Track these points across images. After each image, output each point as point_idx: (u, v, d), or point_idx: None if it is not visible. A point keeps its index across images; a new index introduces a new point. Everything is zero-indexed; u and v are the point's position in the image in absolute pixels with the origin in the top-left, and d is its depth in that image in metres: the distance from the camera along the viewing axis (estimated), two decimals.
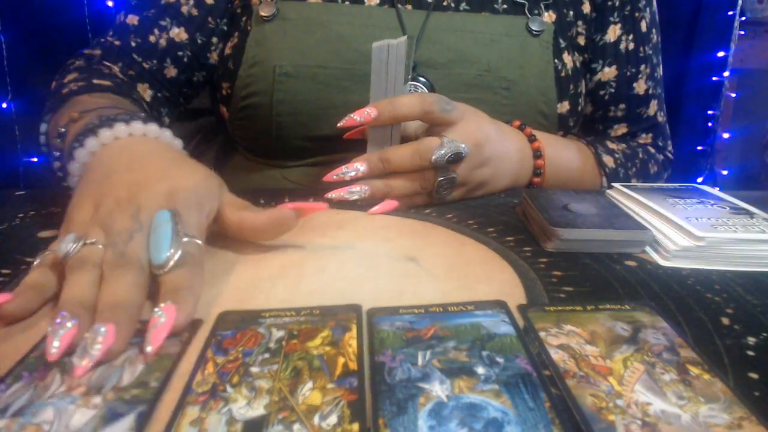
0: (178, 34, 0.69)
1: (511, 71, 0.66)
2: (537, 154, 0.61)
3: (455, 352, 0.28)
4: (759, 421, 0.24)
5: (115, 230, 0.34)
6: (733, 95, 1.78)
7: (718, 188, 0.55)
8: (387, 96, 0.51)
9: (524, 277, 0.39)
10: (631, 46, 0.73)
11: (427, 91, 0.64)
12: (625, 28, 0.73)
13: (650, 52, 0.75)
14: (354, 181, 0.51)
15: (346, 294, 0.35)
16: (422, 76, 0.65)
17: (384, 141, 0.53)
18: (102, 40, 0.69)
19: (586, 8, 0.72)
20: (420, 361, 0.27)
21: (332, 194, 0.51)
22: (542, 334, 0.30)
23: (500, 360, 0.27)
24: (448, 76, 0.65)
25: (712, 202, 0.49)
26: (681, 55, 1.30)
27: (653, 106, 0.77)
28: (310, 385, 0.25)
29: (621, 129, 0.77)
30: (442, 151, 0.50)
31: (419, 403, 0.24)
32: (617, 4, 0.72)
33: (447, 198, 0.54)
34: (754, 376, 0.28)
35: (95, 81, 0.59)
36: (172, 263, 0.33)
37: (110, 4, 1.15)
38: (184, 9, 0.69)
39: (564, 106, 0.69)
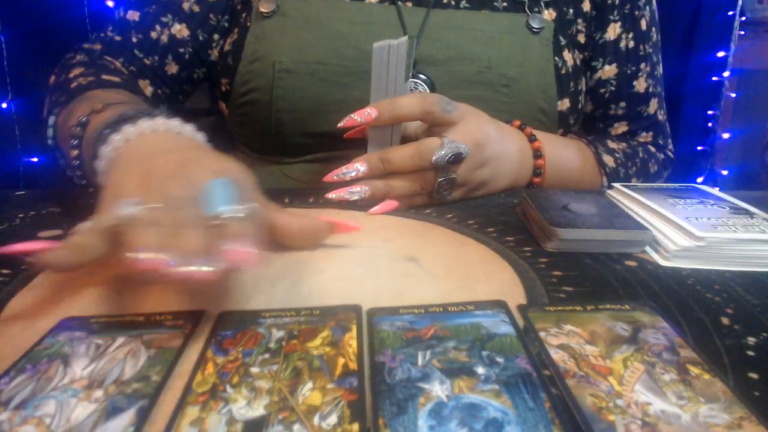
0: (180, 30, 0.69)
1: (511, 69, 0.66)
2: (537, 154, 0.61)
3: (455, 352, 0.28)
4: (759, 421, 0.24)
5: (173, 196, 0.33)
6: (733, 95, 1.77)
7: (718, 188, 0.55)
8: (388, 96, 0.51)
9: (524, 277, 0.39)
10: (631, 44, 0.73)
11: (427, 88, 0.64)
12: (625, 26, 0.73)
13: (650, 50, 0.75)
14: (354, 181, 0.51)
15: (346, 294, 0.35)
16: (422, 73, 0.65)
17: (384, 141, 0.53)
18: (102, 35, 0.69)
19: (586, 6, 0.72)
20: (420, 361, 0.27)
21: (332, 194, 0.51)
22: (542, 334, 0.30)
23: (500, 360, 0.27)
24: (448, 73, 0.65)
25: (712, 202, 0.49)
26: (681, 55, 1.30)
27: (653, 105, 0.77)
28: (310, 385, 0.25)
29: (621, 127, 0.77)
30: (443, 152, 0.50)
31: (419, 403, 0.24)
32: (617, 2, 0.72)
33: (447, 198, 0.54)
34: (754, 376, 0.28)
35: (104, 76, 0.58)
36: (232, 214, 0.32)
37: (110, 3, 1.15)
38: (186, 5, 0.69)
39: (564, 104, 0.69)
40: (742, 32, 1.67)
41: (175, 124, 0.43)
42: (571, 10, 0.71)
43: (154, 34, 0.68)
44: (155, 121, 0.42)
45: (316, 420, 0.23)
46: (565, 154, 0.66)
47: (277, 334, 0.30)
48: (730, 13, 1.33)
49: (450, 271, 0.39)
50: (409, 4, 0.68)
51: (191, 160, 0.37)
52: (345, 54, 0.64)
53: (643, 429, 0.23)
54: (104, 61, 0.65)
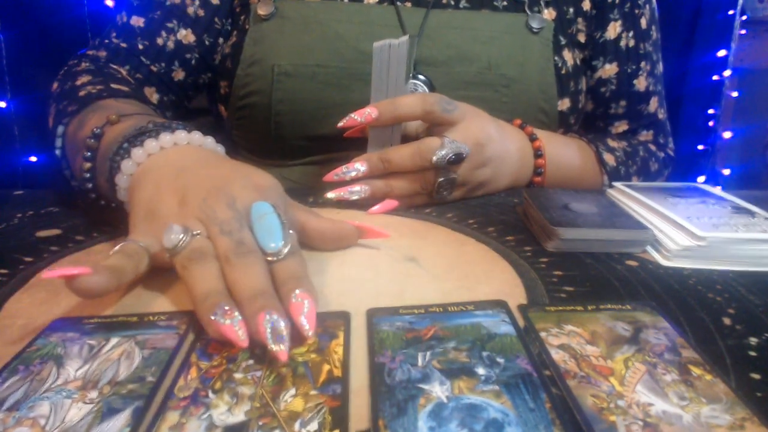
0: (186, 36, 0.68)
1: (511, 69, 0.66)
2: (538, 153, 0.61)
3: (455, 352, 0.28)
4: (761, 422, 0.23)
5: (219, 219, 0.34)
6: (734, 94, 1.77)
7: (719, 187, 0.55)
8: (388, 96, 0.51)
9: (525, 277, 0.39)
10: (632, 43, 0.73)
11: (426, 89, 0.64)
12: (625, 25, 0.73)
13: (650, 48, 0.75)
14: (354, 180, 0.51)
15: (345, 294, 0.35)
16: (422, 74, 0.65)
17: (385, 141, 0.53)
18: (106, 41, 0.68)
19: (586, 5, 0.72)
20: (420, 362, 0.27)
21: (332, 194, 0.51)
22: (543, 334, 0.30)
23: (500, 360, 0.27)
24: (447, 74, 0.65)
25: (713, 201, 0.49)
26: (682, 54, 1.30)
27: (654, 103, 0.77)
28: (292, 391, 0.25)
29: (622, 126, 0.77)
30: (443, 152, 0.49)
31: (419, 404, 0.24)
32: (617, 1, 0.72)
33: (447, 198, 0.54)
34: (756, 376, 0.28)
35: (113, 85, 0.58)
36: (286, 251, 0.33)
37: (110, 4, 1.15)
38: (190, 10, 0.68)
39: (564, 103, 0.69)
40: (743, 31, 1.67)
41: (197, 137, 0.43)
42: (571, 10, 0.71)
43: (160, 41, 0.67)
44: (176, 135, 0.42)
45: (296, 426, 0.23)
46: (566, 153, 0.66)
47: None
48: (731, 12, 1.33)
49: (450, 271, 0.39)
50: (409, 5, 0.68)
51: (226, 177, 0.37)
52: (344, 56, 0.64)
53: (644, 430, 0.23)
54: (111, 70, 0.64)
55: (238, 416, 0.24)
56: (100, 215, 0.49)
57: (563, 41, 0.70)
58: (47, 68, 1.11)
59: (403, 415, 0.23)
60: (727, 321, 0.33)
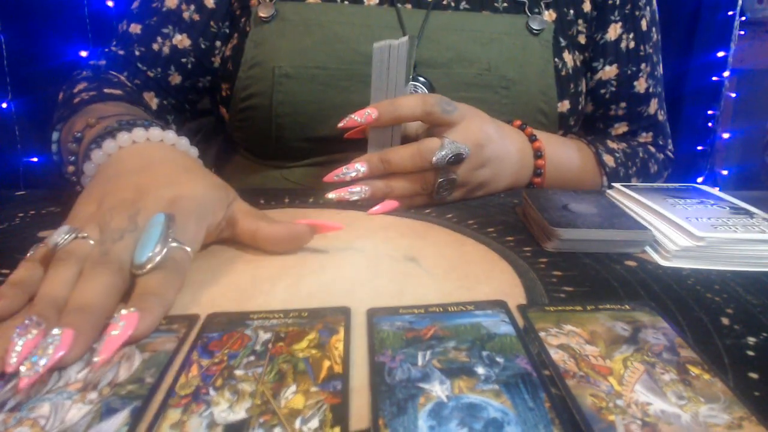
0: (181, 40, 0.69)
1: (511, 70, 0.66)
2: (538, 154, 0.61)
3: (455, 352, 0.28)
4: (759, 421, 0.24)
5: (110, 228, 0.34)
6: (733, 95, 1.77)
7: (718, 188, 0.55)
8: (388, 96, 0.51)
9: (524, 277, 0.39)
10: (632, 44, 0.73)
11: (426, 90, 0.64)
12: (625, 26, 0.73)
13: (650, 50, 0.75)
14: (354, 181, 0.51)
15: (346, 294, 0.35)
16: (422, 76, 0.65)
17: (385, 141, 0.53)
18: (106, 50, 0.69)
19: (587, 7, 0.72)
20: (420, 361, 0.27)
21: (332, 194, 0.51)
22: (542, 334, 0.30)
23: (500, 360, 0.27)
24: (448, 75, 0.65)
25: (712, 202, 0.49)
26: (681, 55, 1.30)
27: (653, 105, 0.77)
28: (293, 388, 0.25)
29: (621, 128, 0.77)
30: (443, 152, 0.50)
31: (419, 403, 0.24)
32: (618, 2, 0.72)
33: (447, 198, 0.54)
34: (754, 376, 0.28)
35: (106, 90, 0.58)
36: (150, 265, 0.33)
37: (110, 4, 1.15)
38: (186, 15, 0.69)
39: (564, 105, 0.69)
40: (742, 32, 1.67)
41: (171, 135, 0.44)
42: (571, 11, 0.71)
43: (155, 46, 0.68)
44: (150, 131, 0.43)
45: (297, 423, 0.23)
46: (566, 154, 0.66)
47: (264, 336, 0.30)
48: (730, 12, 1.33)
49: (450, 271, 0.39)
50: (409, 6, 0.68)
51: (150, 187, 0.38)
52: (344, 58, 0.64)
53: (643, 429, 0.23)
54: (108, 76, 0.65)
55: (239, 413, 0.24)
56: None
57: (563, 43, 0.70)
58: (48, 69, 1.12)
59: (403, 414, 0.24)
60: (725, 321, 0.34)
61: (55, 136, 0.55)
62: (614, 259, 0.42)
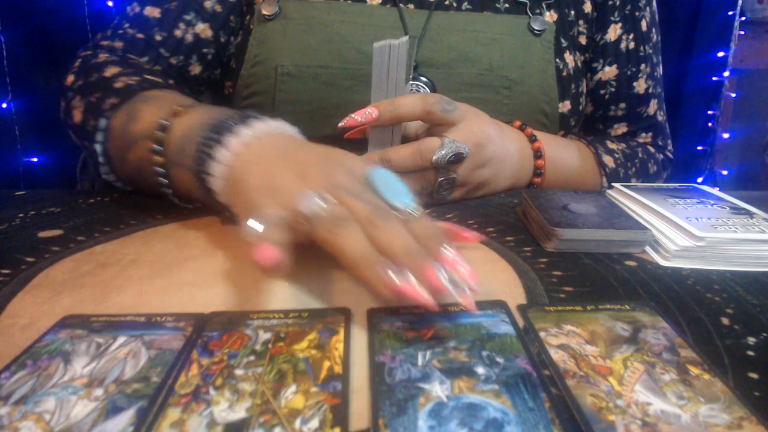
0: (204, 30, 0.67)
1: (512, 71, 0.66)
2: (537, 155, 0.61)
3: (455, 352, 0.28)
4: (759, 421, 0.24)
5: (346, 186, 0.35)
6: (733, 95, 1.77)
7: (718, 188, 0.55)
8: (388, 96, 0.51)
9: (524, 277, 0.39)
10: (632, 45, 0.73)
11: (428, 90, 0.64)
12: (625, 27, 0.73)
13: (650, 51, 0.75)
14: None
15: (348, 294, 0.35)
16: (424, 76, 0.65)
17: (385, 141, 0.53)
18: (120, 31, 0.65)
19: (588, 7, 0.72)
20: (420, 361, 0.27)
21: None
22: (542, 334, 0.30)
23: (500, 360, 0.27)
24: (449, 75, 0.65)
25: (712, 202, 0.49)
26: (681, 55, 1.30)
27: (653, 105, 0.77)
28: (293, 388, 0.25)
29: (621, 128, 0.77)
30: (443, 152, 0.50)
31: (419, 403, 0.24)
32: (618, 3, 0.72)
33: (447, 198, 0.54)
34: (754, 376, 0.28)
35: (147, 76, 0.56)
36: (414, 209, 0.34)
37: (110, 3, 1.15)
38: (208, 4, 0.67)
39: (565, 106, 0.69)
40: (742, 32, 1.67)
41: (281, 124, 0.44)
42: (572, 12, 0.71)
43: (178, 33, 0.66)
44: (267, 123, 0.42)
45: (297, 424, 0.23)
46: (566, 154, 0.66)
47: (264, 336, 0.30)
48: (730, 13, 1.33)
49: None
50: (411, 6, 0.68)
51: (333, 152, 0.38)
52: (347, 57, 0.64)
53: (643, 429, 0.23)
54: (134, 60, 0.63)
55: (239, 413, 0.24)
56: (101, 215, 0.49)
57: (564, 43, 0.70)
58: (48, 68, 1.12)
59: (403, 414, 0.24)
60: (725, 321, 0.34)
61: (103, 122, 0.52)
62: (614, 259, 0.42)
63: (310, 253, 0.41)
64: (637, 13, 0.73)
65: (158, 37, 0.65)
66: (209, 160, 0.40)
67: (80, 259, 0.40)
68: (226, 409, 0.24)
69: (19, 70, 1.13)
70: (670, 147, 0.80)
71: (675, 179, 0.75)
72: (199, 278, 0.37)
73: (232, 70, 0.68)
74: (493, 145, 0.55)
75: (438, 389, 0.25)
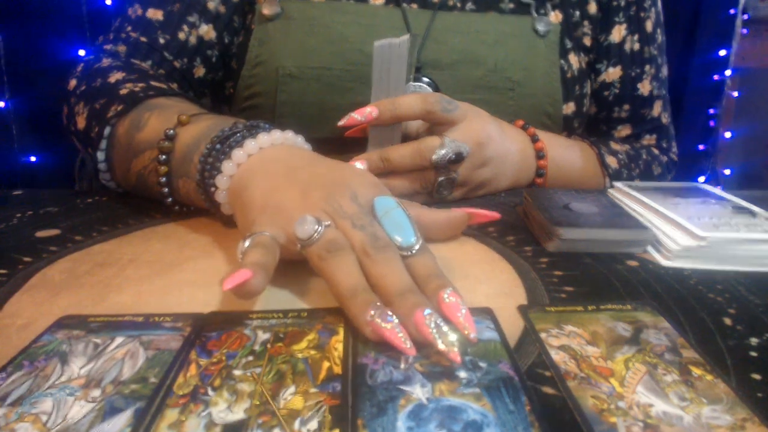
0: (207, 32, 0.67)
1: (517, 72, 0.66)
2: (540, 155, 0.61)
3: (438, 356, 0.28)
4: (762, 422, 0.23)
5: (348, 212, 0.34)
6: (735, 94, 1.77)
7: (720, 187, 0.54)
8: (389, 95, 0.51)
9: (525, 277, 0.38)
10: (636, 46, 0.73)
11: (431, 91, 0.64)
12: (630, 28, 0.72)
13: (655, 52, 0.74)
14: None
15: None
16: (427, 77, 0.64)
17: (385, 140, 0.52)
18: (123, 35, 0.64)
19: (592, 8, 0.71)
20: (402, 364, 0.27)
21: None
22: (543, 335, 0.30)
23: (483, 365, 0.27)
24: (453, 76, 0.65)
25: (714, 201, 0.49)
26: (683, 53, 1.30)
27: (657, 107, 0.76)
28: (292, 389, 0.25)
29: (625, 130, 0.77)
30: (443, 151, 0.49)
31: (399, 404, 0.24)
32: (622, 4, 0.72)
33: (447, 198, 0.54)
34: (757, 377, 0.28)
35: (153, 83, 0.56)
36: (418, 246, 0.33)
37: (108, 2, 1.15)
38: (211, 5, 0.67)
39: (569, 107, 0.69)
40: (744, 31, 1.66)
41: (290, 136, 0.43)
42: (577, 13, 0.70)
43: (182, 35, 0.65)
44: (272, 135, 0.42)
45: (296, 425, 0.23)
46: (568, 155, 0.66)
47: (263, 336, 0.29)
48: (732, 11, 1.33)
49: (450, 272, 0.39)
50: (415, 6, 0.67)
51: (341, 173, 0.38)
52: (349, 58, 0.64)
53: (645, 431, 0.23)
54: (138, 66, 0.62)
55: (238, 414, 0.24)
56: (99, 214, 0.49)
57: (569, 45, 0.69)
58: (46, 68, 1.12)
59: (383, 415, 0.23)
60: (727, 321, 0.33)
61: (107, 130, 0.51)
62: (616, 259, 0.42)
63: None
64: (642, 14, 0.73)
65: (162, 41, 0.65)
66: (214, 172, 0.40)
67: (78, 259, 0.40)
68: (224, 409, 0.24)
69: (16, 69, 1.13)
70: (674, 149, 0.80)
71: (677, 178, 0.74)
72: (197, 278, 0.37)
73: (233, 70, 0.68)
74: (494, 145, 0.55)
75: (419, 392, 0.25)
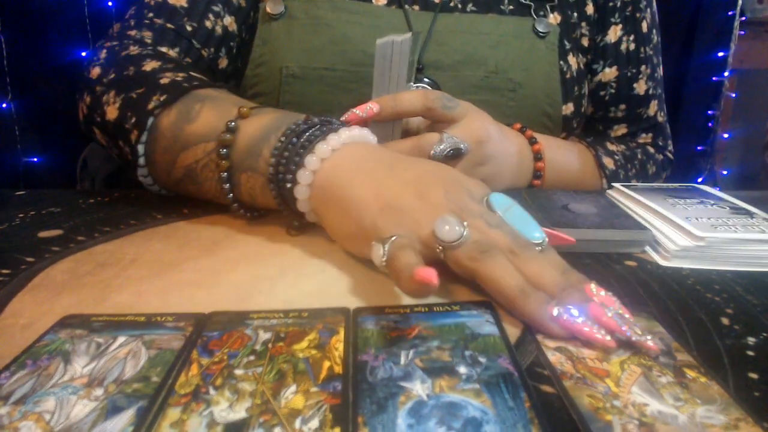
0: (230, 23, 0.66)
1: (517, 73, 0.66)
2: (537, 157, 0.61)
3: (438, 351, 0.28)
4: (755, 422, 0.24)
5: (476, 211, 0.34)
6: (733, 95, 1.77)
7: (717, 188, 0.55)
8: (390, 92, 0.51)
9: None
10: (632, 46, 0.73)
11: None
12: (626, 28, 0.73)
13: (651, 52, 0.75)
14: None
15: (346, 294, 0.35)
16: (429, 78, 0.65)
17: (385, 136, 0.53)
18: (146, 21, 0.61)
19: (590, 9, 0.72)
20: (402, 361, 0.27)
21: None
22: (539, 336, 0.30)
23: (482, 360, 0.27)
24: (454, 77, 0.65)
25: (712, 202, 0.49)
26: (681, 55, 1.30)
27: (653, 106, 0.77)
28: (293, 388, 0.25)
29: (621, 129, 0.77)
30: (441, 146, 0.50)
31: (399, 401, 0.24)
32: (618, 4, 0.72)
33: None
34: (754, 376, 0.28)
35: (192, 73, 0.53)
36: (546, 241, 0.34)
37: (110, 2, 1.15)
38: None
39: (569, 108, 0.69)
40: (742, 32, 1.67)
41: (365, 132, 0.43)
42: (575, 14, 0.71)
43: (209, 24, 0.64)
44: (352, 131, 0.41)
45: (297, 424, 0.23)
46: (566, 156, 0.66)
47: (264, 335, 0.29)
48: (730, 13, 1.33)
49: (450, 271, 0.39)
50: (416, 8, 0.68)
51: (445, 171, 0.38)
52: (352, 59, 0.64)
53: (640, 429, 0.23)
54: (167, 55, 0.59)
55: (239, 413, 0.24)
56: (101, 214, 0.49)
57: (568, 46, 0.70)
58: (48, 68, 1.12)
59: (383, 412, 0.24)
60: (725, 321, 0.34)
61: (150, 121, 0.48)
62: (614, 259, 0.42)
63: (310, 253, 0.41)
64: (637, 15, 0.73)
65: (189, 27, 0.62)
66: (292, 166, 0.39)
67: (80, 259, 0.40)
68: (226, 409, 0.24)
69: (19, 70, 1.13)
70: (670, 147, 0.80)
71: (675, 179, 0.75)
72: (199, 278, 0.37)
73: (237, 69, 0.68)
74: (494, 144, 0.55)
75: (419, 388, 0.25)
